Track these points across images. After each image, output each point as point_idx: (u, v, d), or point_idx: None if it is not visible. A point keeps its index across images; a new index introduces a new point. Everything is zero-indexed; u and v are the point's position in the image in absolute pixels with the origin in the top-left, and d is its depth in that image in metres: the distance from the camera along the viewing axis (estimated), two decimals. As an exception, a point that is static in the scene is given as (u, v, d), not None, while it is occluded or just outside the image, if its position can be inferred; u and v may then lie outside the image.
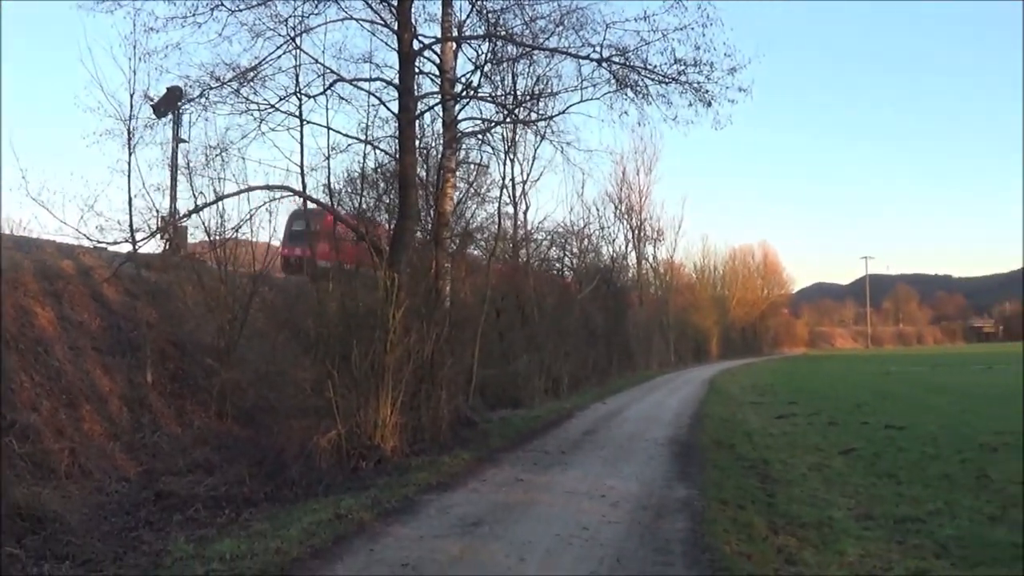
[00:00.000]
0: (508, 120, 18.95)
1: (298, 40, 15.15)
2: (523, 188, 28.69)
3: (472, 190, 22.85)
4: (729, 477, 11.35)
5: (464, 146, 19.69)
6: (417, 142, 16.73)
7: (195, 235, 17.98)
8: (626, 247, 53.63)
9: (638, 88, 15.26)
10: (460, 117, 17.59)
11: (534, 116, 18.64)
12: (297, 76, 16.13)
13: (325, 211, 17.24)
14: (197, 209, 15.63)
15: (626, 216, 54.14)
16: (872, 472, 11.66)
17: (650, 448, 14.47)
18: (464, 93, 17.27)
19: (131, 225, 14.34)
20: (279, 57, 14.85)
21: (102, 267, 15.69)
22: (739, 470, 12.02)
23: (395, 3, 14.99)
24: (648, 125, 16.48)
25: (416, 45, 15.41)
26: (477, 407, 18.41)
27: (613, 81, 15.59)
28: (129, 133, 14.71)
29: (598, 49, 15.11)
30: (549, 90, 17.83)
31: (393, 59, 15.69)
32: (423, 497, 9.91)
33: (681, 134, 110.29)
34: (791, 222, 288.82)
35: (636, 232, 55.46)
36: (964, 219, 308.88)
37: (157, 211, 15.49)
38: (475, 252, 25.32)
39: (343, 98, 17.12)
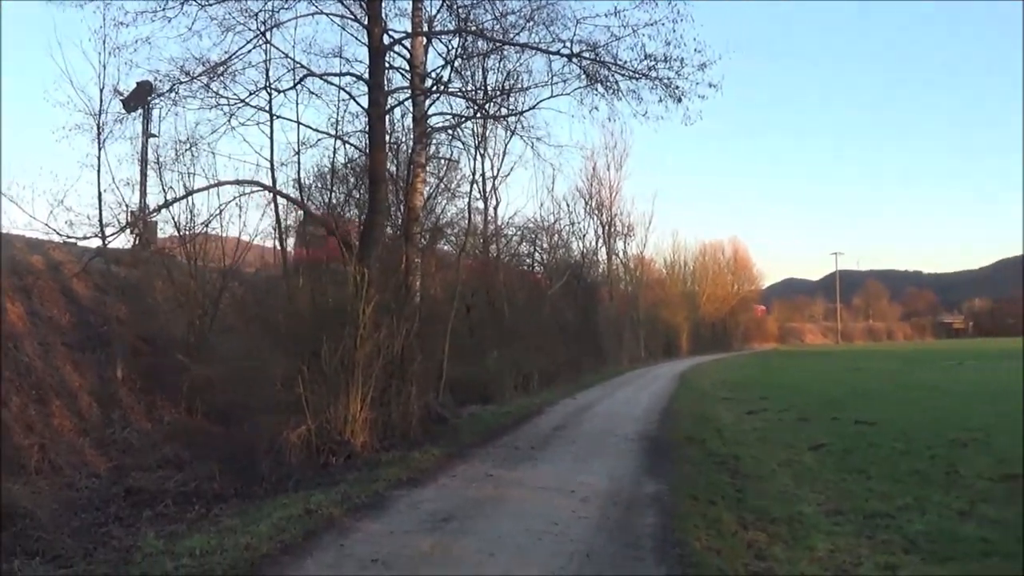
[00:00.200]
0: (478, 115, 18.89)
1: (268, 35, 15.07)
2: (493, 183, 28.56)
3: (442, 185, 22.87)
4: (699, 472, 11.41)
5: (434, 141, 19.68)
6: (387, 137, 16.69)
7: (165, 230, 17.95)
8: (596, 243, 53.87)
9: (608, 84, 15.27)
10: (430, 112, 17.52)
11: (504, 111, 18.65)
12: (267, 71, 16.18)
13: None
14: (167, 204, 15.58)
15: (596, 211, 54.23)
16: (842, 468, 11.68)
17: (620, 444, 14.53)
18: (434, 88, 17.20)
19: (101, 220, 14.26)
20: (249, 52, 14.71)
21: (72, 262, 15.55)
22: (709, 465, 12.08)
23: (365, -2, 14.92)
24: (619, 121, 16.47)
25: (386, 40, 15.33)
26: (447, 403, 18.40)
27: (583, 77, 15.62)
28: (99, 128, 14.70)
29: (568, 45, 15.09)
30: (519, 85, 17.91)
31: (363, 54, 15.64)
32: (393, 493, 9.90)
33: (652, 130, 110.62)
34: (761, 218, 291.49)
35: (606, 227, 55.58)
36: (934, 216, 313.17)
37: (127, 206, 15.48)
38: (445, 247, 25.39)
39: (313, 93, 17.15)
